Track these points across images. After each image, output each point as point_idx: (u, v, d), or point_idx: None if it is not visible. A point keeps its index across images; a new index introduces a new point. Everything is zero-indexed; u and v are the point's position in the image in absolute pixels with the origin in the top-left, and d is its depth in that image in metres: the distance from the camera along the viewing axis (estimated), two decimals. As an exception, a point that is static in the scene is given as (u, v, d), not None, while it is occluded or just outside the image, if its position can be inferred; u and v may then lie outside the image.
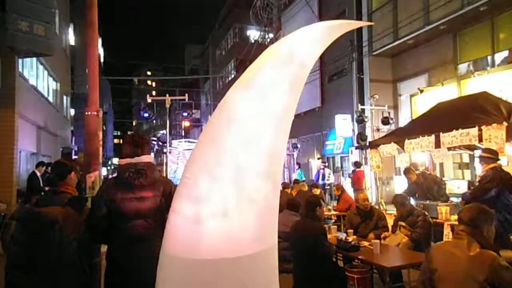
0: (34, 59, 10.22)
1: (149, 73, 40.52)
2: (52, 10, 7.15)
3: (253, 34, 22.42)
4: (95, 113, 3.02)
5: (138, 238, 2.32)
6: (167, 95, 12.96)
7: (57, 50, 10.61)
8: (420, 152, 6.47)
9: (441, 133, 5.08)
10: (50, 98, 13.37)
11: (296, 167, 14.40)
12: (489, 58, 8.92)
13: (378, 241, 3.75)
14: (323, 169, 12.55)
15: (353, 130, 12.72)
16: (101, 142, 3.02)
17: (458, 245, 2.02)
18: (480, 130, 4.53)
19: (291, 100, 1.99)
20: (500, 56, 8.75)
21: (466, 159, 9.73)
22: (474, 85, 8.39)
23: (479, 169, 4.88)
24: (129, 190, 2.37)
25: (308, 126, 15.07)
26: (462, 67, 9.44)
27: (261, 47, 15.40)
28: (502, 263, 1.90)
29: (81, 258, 2.40)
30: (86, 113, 3.01)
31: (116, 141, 56.36)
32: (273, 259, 1.95)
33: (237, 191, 1.79)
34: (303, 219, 3.41)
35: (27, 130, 9.85)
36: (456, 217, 5.49)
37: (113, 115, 48.96)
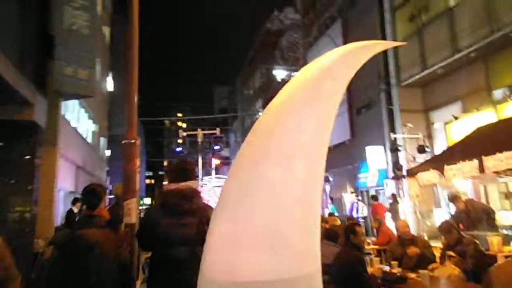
0: (76, 102, 10.94)
1: (179, 114, 42.18)
2: (95, 57, 7.73)
3: (280, 73, 23.01)
4: (133, 141, 3.11)
5: (183, 264, 2.29)
6: (199, 129, 13.25)
7: (97, 94, 11.36)
8: (462, 180, 6.12)
9: (483, 157, 4.81)
10: (89, 139, 14.11)
11: (329, 201, 14.00)
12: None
13: (426, 271, 3.46)
14: (357, 202, 12.17)
15: (387, 162, 12.34)
16: (138, 169, 3.08)
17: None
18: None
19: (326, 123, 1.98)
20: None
21: (512, 187, 9.09)
22: (511, 109, 8.01)
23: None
24: (175, 216, 2.37)
25: (339, 159, 14.81)
26: (497, 93, 9.10)
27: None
28: None
29: (119, 281, 2.37)
30: (123, 142, 3.12)
31: (147, 181, 57.80)
32: (317, 283, 1.84)
33: (274, 212, 1.76)
34: (343, 248, 3.24)
35: (66, 170, 10.34)
36: (510, 248, 5.04)
37: (145, 156, 50.74)
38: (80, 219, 2.40)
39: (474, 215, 5.38)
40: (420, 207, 9.50)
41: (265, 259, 1.73)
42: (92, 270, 2.17)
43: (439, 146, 10.56)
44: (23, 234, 6.14)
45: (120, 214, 2.97)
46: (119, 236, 2.46)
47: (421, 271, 3.45)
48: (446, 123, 10.27)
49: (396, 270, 3.80)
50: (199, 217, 2.39)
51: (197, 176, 14.90)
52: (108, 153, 21.33)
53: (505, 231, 5.74)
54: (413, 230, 9.56)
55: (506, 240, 5.18)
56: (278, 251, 1.75)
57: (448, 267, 3.68)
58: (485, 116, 8.47)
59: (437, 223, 10.77)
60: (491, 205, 9.06)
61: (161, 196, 2.56)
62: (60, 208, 9.96)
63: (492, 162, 4.66)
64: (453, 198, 5.71)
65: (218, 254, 1.78)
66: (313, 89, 1.95)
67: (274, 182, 1.81)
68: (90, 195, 2.46)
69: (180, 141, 14.68)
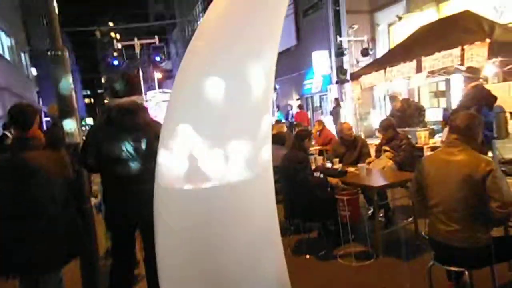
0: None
1: (110, 23, 37.78)
2: None
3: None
4: (59, 52, 2.72)
5: (135, 178, 2.25)
6: (136, 38, 12.08)
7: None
8: (398, 81, 6.47)
9: (422, 57, 5.02)
10: (6, 56, 12.33)
11: (276, 109, 14.37)
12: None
13: (364, 164, 3.83)
14: (291, 109, 13.43)
15: (331, 67, 12.57)
16: (72, 86, 2.77)
17: (451, 152, 2.04)
18: (462, 50, 4.48)
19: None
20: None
21: (442, 87, 9.90)
22: (455, 7, 8.21)
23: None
24: (121, 132, 2.25)
25: (285, 67, 14.77)
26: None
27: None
28: (496, 167, 1.94)
29: (70, 202, 2.30)
30: (49, 53, 2.72)
31: (87, 100, 53.99)
32: (268, 186, 1.92)
33: (225, 123, 1.70)
34: (289, 150, 3.40)
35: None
36: (434, 140, 5.70)
37: (80, 74, 46.23)
38: (13, 143, 2.15)
39: (409, 113, 5.86)
40: (359, 109, 10.12)
41: (218, 167, 1.75)
42: (40, 194, 2.05)
43: (381, 49, 10.85)
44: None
45: (60, 134, 2.74)
46: (62, 156, 2.29)
47: (359, 164, 3.81)
48: (389, 25, 10.38)
49: (337, 166, 4.16)
50: (147, 132, 2.29)
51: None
52: (34, 71, 19.02)
53: (432, 126, 6.39)
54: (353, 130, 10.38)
55: (432, 134, 5.81)
56: (229, 158, 1.76)
57: (383, 160, 4.09)
58: (428, 16, 8.61)
59: (373, 123, 11.78)
60: (422, 103, 9.96)
61: (104, 113, 2.37)
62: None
63: (430, 62, 4.89)
64: (393, 98, 6.10)
65: (173, 164, 1.76)
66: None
67: (224, 93, 1.74)
68: (20, 115, 2.17)
69: (115, 54, 13.36)
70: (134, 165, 2.26)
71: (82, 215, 2.59)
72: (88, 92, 55.85)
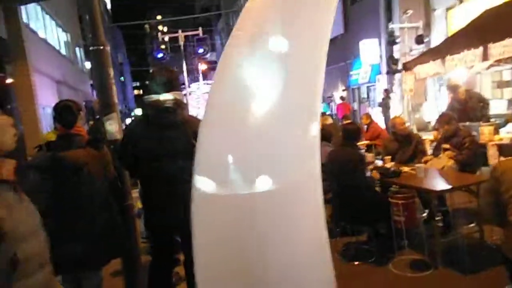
0: (39, 9, 9.75)
1: (159, 17, 38.96)
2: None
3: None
4: (101, 47, 2.70)
5: (173, 178, 2.16)
6: (180, 31, 12.16)
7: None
8: (461, 70, 5.85)
9: (489, 44, 4.46)
10: (63, 51, 13.09)
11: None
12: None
13: (422, 164, 3.47)
14: (332, 101, 12.86)
15: (381, 57, 11.87)
16: (113, 80, 2.75)
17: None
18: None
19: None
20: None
21: (507, 76, 8.92)
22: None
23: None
24: (158, 130, 2.17)
25: (331, 57, 14.13)
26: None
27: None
28: None
29: (111, 201, 2.29)
30: (90, 48, 2.71)
31: (136, 92, 56.49)
32: (316, 190, 1.73)
33: (271, 120, 1.53)
34: (340, 148, 3.14)
35: (46, 85, 9.77)
36: (500, 136, 5.09)
37: (129, 66, 48.33)
38: (57, 140, 2.16)
39: (470, 105, 5.28)
40: (411, 101, 9.43)
41: (259, 169, 1.60)
42: (81, 193, 2.04)
43: (437, 36, 9.99)
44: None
45: (102, 130, 2.74)
46: (103, 154, 2.26)
47: (417, 164, 3.45)
48: (448, 9, 9.50)
49: (389, 165, 3.83)
50: (185, 130, 2.20)
51: (183, 84, 14.24)
52: (88, 65, 20.13)
53: (495, 120, 5.74)
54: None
55: (496, 129, 5.20)
56: (273, 160, 1.61)
57: (442, 159, 3.69)
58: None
59: (426, 116, 10.94)
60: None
61: (144, 109, 2.31)
62: (49, 125, 9.72)
63: (499, 49, 4.33)
64: (453, 88, 5.53)
65: (211, 166, 1.65)
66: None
67: (268, 83, 1.58)
68: (64, 112, 2.18)
69: (162, 46, 13.63)
70: (172, 165, 2.17)
71: (123, 214, 2.58)
72: (138, 84, 58.38)
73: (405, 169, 3.56)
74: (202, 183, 1.70)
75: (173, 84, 2.26)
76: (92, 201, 2.11)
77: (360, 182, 3.04)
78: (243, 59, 1.65)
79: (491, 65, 5.63)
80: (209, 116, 1.69)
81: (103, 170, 2.22)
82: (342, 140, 3.26)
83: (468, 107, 5.32)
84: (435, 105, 10.03)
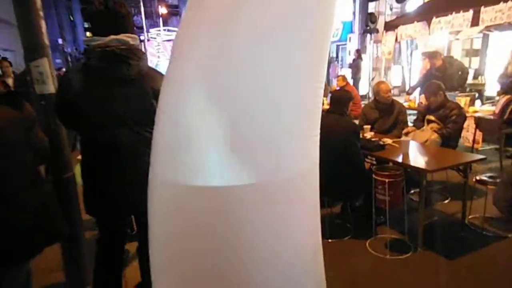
0: None
1: None
2: None
3: None
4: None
5: (126, 150, 1.66)
6: None
7: None
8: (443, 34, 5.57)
9: (482, 7, 4.14)
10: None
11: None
12: None
13: (408, 138, 3.20)
14: None
15: (354, 14, 11.35)
16: (41, 13, 2.04)
17: None
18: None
19: None
20: None
21: (477, 45, 8.89)
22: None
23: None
24: (105, 86, 1.62)
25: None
26: None
27: None
28: None
29: (40, 175, 1.75)
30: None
31: (88, 34, 51.60)
32: (312, 188, 1.36)
33: (256, 93, 1.13)
34: (330, 115, 2.73)
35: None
36: (475, 108, 4.99)
37: (79, 4, 43.31)
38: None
39: (449, 73, 5.07)
40: (381, 64, 9.22)
41: (244, 154, 1.15)
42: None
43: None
44: None
45: (28, 81, 2.09)
46: (26, 114, 1.66)
47: (403, 138, 3.18)
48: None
49: (369, 135, 3.54)
50: (142, 87, 1.66)
51: (140, 28, 12.67)
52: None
53: (470, 90, 5.65)
54: (370, 88, 9.55)
55: (471, 100, 5.08)
56: (264, 146, 1.18)
57: (426, 132, 3.45)
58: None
59: (393, 81, 10.86)
60: (452, 63, 9.03)
61: (84, 57, 1.70)
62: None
63: (491, 14, 4.03)
64: (433, 54, 5.24)
65: (176, 143, 1.17)
66: None
67: (258, 51, 1.13)
68: None
69: None
70: (123, 134, 1.65)
71: (61, 190, 2.05)
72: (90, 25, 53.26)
73: (388, 141, 3.28)
74: (163, 167, 1.27)
75: (125, 23, 1.67)
76: (11, 179, 1.55)
77: (356, 155, 2.70)
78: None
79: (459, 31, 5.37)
80: (176, 70, 1.20)
81: (26, 135, 1.64)
82: (330, 106, 2.85)
83: (447, 75, 5.11)
84: (407, 70, 9.91)
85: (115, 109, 1.63)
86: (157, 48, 13.74)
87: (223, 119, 1.12)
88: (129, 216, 1.81)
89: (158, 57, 13.53)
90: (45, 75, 2.09)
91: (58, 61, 15.86)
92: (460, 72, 5.20)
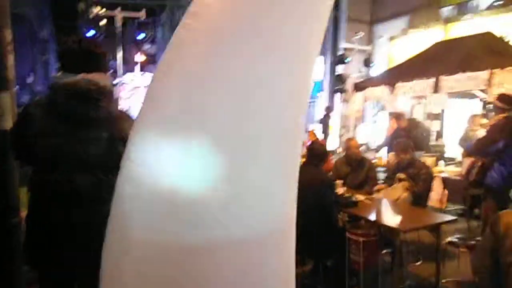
0: None
1: (96, -3, 35.81)
2: None
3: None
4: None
5: (80, 199, 1.50)
6: (119, 8, 10.57)
7: None
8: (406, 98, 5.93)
9: (442, 76, 4.47)
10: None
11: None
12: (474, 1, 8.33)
13: (381, 195, 3.20)
14: None
15: (325, 73, 12.05)
16: (10, 47, 1.94)
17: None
18: (491, 74, 3.97)
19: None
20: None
21: (437, 109, 9.56)
22: (463, 29, 7.83)
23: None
24: (71, 126, 1.49)
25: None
26: (445, 11, 8.80)
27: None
28: None
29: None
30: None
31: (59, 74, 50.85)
32: (288, 246, 1.27)
33: (233, 136, 1.08)
34: (306, 167, 2.68)
35: None
36: (440, 168, 5.19)
37: (56, 45, 43.33)
38: None
39: (414, 134, 5.31)
40: (349, 122, 9.59)
41: (215, 210, 1.06)
42: None
43: (378, 63, 10.40)
44: None
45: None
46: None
47: (375, 195, 3.16)
48: (391, 38, 9.95)
49: (342, 190, 3.51)
50: (110, 130, 1.53)
51: (114, 72, 12.53)
52: None
53: (435, 151, 5.89)
54: (338, 145, 9.85)
55: (436, 160, 5.30)
56: (237, 198, 1.09)
57: (397, 189, 3.48)
58: (434, 34, 8.22)
59: (360, 138, 11.32)
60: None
61: (50, 93, 1.57)
62: None
63: (451, 82, 4.36)
64: (398, 115, 5.52)
65: (141, 194, 1.06)
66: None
67: (236, 89, 1.10)
68: None
69: (103, 24, 11.89)
70: (83, 180, 1.48)
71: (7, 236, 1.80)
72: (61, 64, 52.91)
73: (360, 197, 3.26)
74: (123, 220, 1.13)
75: (98, 63, 1.58)
76: None
77: (325, 208, 2.62)
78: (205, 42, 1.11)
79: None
80: (148, 116, 1.12)
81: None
82: (306, 159, 2.81)
83: (412, 136, 5.34)
84: (372, 129, 10.36)
85: (75, 151, 1.48)
86: (131, 93, 13.61)
87: (199, 172, 1.03)
88: (73, 274, 1.56)
89: (129, 106, 13.34)
90: (4, 110, 1.95)
91: (26, 97, 15.28)
92: (424, 134, 5.47)
